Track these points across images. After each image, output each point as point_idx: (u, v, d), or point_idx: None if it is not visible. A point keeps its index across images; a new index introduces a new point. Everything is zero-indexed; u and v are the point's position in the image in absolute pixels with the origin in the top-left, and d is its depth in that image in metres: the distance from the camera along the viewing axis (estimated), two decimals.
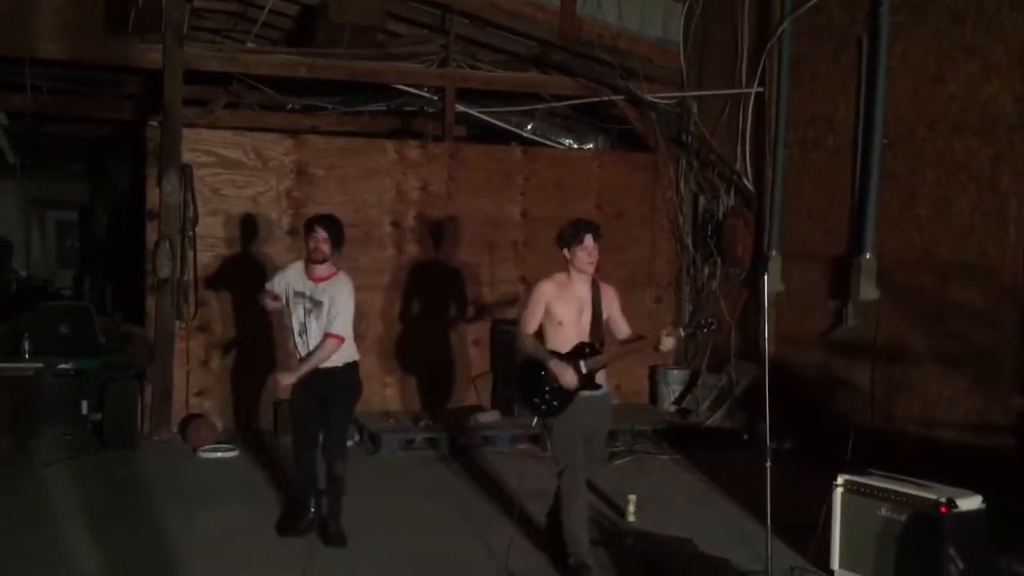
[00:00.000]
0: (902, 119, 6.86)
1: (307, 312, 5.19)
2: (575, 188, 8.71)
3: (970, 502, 4.62)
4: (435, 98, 8.87)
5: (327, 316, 5.16)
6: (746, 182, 8.24)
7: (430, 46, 8.52)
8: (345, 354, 5.22)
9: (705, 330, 4.96)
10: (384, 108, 9.43)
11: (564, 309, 4.87)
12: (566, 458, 4.83)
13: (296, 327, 5.27)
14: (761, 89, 8.08)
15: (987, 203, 6.25)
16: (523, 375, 4.90)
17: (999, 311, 6.14)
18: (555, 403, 4.79)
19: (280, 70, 8.18)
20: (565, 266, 4.98)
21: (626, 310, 8.62)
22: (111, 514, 5.59)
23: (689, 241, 8.87)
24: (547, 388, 4.77)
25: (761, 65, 8.08)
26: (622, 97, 8.74)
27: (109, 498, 6.00)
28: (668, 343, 4.79)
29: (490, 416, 7.81)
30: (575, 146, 9.55)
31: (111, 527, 5.32)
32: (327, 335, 5.15)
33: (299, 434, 5.36)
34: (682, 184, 8.94)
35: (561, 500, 4.91)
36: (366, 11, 7.77)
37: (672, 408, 8.60)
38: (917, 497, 4.67)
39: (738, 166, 8.28)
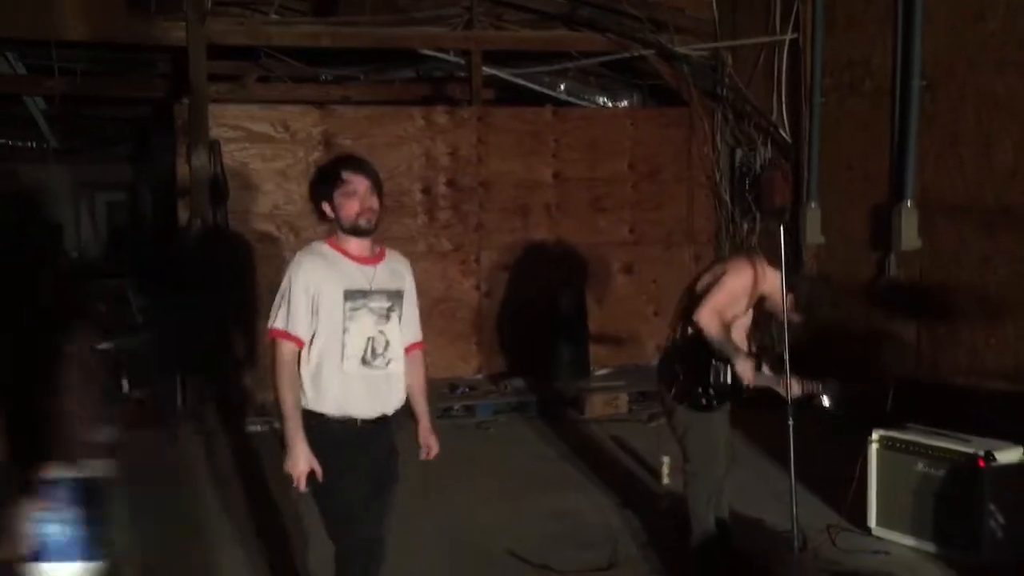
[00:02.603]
0: (941, 59, 6.57)
1: (383, 316, 3.36)
2: (608, 147, 8.55)
3: (1010, 455, 4.47)
4: (462, 62, 8.75)
5: (409, 314, 3.49)
6: (783, 133, 7.99)
7: (454, 8, 8.37)
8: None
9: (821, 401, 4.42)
10: (413, 75, 9.35)
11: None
12: (709, 465, 4.41)
13: (361, 350, 3.32)
14: (796, 35, 7.80)
15: None
16: (688, 354, 4.39)
17: None
18: (716, 399, 4.35)
19: (303, 41, 8.14)
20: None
21: (666, 269, 8.58)
22: None
23: (727, 196, 8.65)
24: (718, 380, 4.31)
25: (795, 10, 7.80)
26: (653, 51, 8.53)
27: None
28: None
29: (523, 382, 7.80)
30: (609, 104, 9.37)
31: None
32: (414, 346, 3.55)
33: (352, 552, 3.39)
34: (718, 138, 8.72)
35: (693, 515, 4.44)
36: None
37: None
38: (954, 451, 4.53)
39: (774, 117, 8.03)
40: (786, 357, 4.25)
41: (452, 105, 8.71)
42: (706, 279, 4.42)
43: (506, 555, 4.60)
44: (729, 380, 4.32)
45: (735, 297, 4.29)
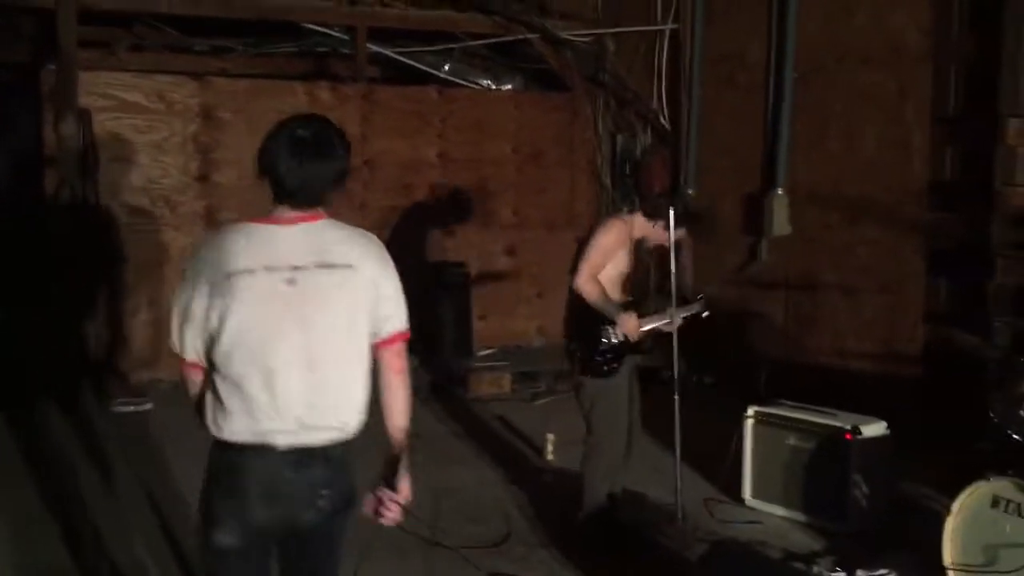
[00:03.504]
0: (812, 52, 6.87)
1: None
2: (492, 129, 8.60)
3: (874, 428, 4.74)
4: (346, 38, 8.63)
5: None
6: (663, 120, 8.21)
7: None
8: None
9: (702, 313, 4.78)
10: (295, 50, 9.15)
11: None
12: (611, 438, 4.53)
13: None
14: (677, 26, 8.03)
15: (893, 135, 6.32)
16: (578, 328, 4.52)
17: (903, 243, 6.25)
18: (614, 360, 4.47)
19: (184, 8, 7.85)
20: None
21: (548, 251, 8.70)
22: None
23: (608, 181, 8.84)
24: (609, 342, 4.45)
25: (675, 2, 8.02)
26: (538, 36, 8.61)
27: None
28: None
29: None
30: (493, 86, 9.40)
31: None
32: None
33: None
34: (600, 124, 8.88)
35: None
36: None
37: None
38: (823, 425, 4.78)
39: (655, 104, 8.24)
40: (674, 289, 4.61)
41: (336, 81, 8.59)
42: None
43: (398, 531, 4.59)
44: (619, 339, 4.48)
45: (608, 252, 4.46)
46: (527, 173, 8.75)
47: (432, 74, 9.14)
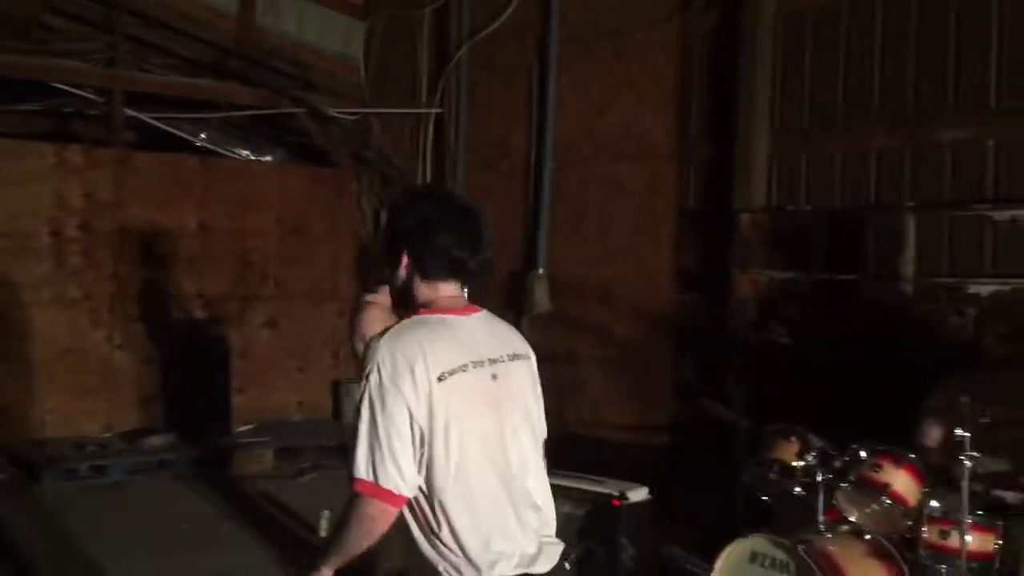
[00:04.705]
0: (570, 144, 7.42)
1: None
2: (256, 201, 8.50)
3: (638, 493, 5.10)
4: (101, 100, 8.25)
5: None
6: None
7: (96, 43, 7.92)
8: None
9: None
10: (37, 108, 8.62)
11: None
12: None
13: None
14: (441, 110, 8.38)
15: (644, 224, 6.93)
16: None
17: (654, 323, 6.82)
18: None
19: None
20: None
21: (311, 324, 8.66)
22: None
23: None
24: None
25: (440, 88, 8.38)
26: (303, 110, 8.67)
27: None
28: None
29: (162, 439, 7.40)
30: (252, 158, 9.32)
31: None
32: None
33: None
34: (364, 200, 9.03)
35: None
36: (23, 2, 7.10)
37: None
38: (594, 492, 5.08)
39: (420, 183, 8.51)
40: None
41: (85, 144, 8.17)
42: None
43: None
44: None
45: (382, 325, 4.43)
46: (290, 245, 8.70)
47: (189, 141, 8.93)
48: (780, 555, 3.92)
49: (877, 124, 5.77)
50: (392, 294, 2.62)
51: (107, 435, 7.59)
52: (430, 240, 2.40)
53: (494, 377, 2.38)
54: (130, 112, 8.21)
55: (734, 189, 6.32)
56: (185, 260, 8.09)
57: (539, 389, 2.54)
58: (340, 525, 2.33)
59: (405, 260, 2.45)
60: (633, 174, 7.02)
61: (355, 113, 8.90)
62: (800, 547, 3.87)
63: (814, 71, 6.07)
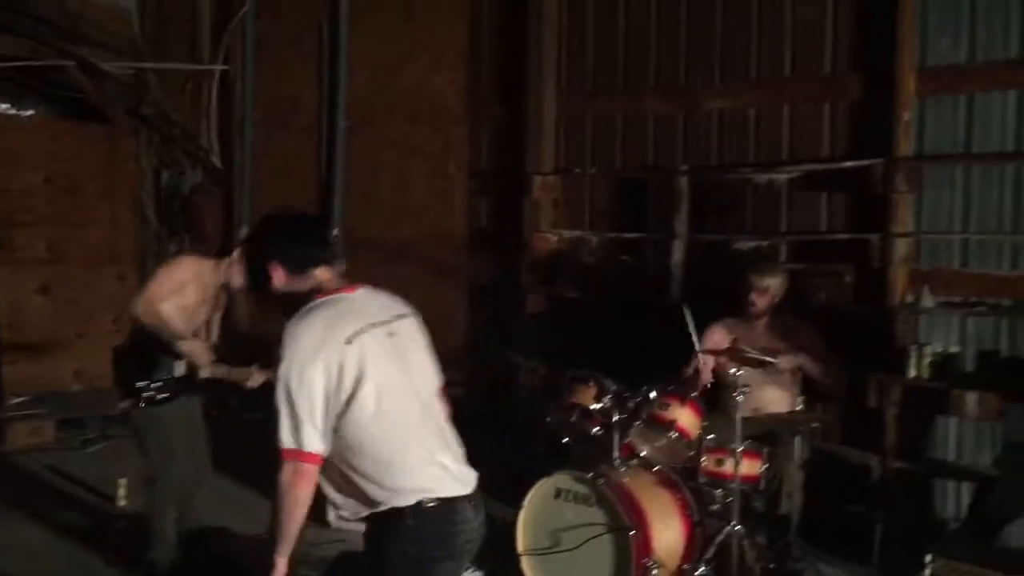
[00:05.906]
0: (363, 104, 7.43)
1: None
2: (22, 160, 7.93)
3: None
4: None
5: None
6: (214, 159, 8.25)
7: None
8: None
9: None
10: None
11: None
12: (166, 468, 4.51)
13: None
14: (226, 67, 8.14)
15: (438, 185, 7.10)
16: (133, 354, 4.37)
17: (448, 282, 7.02)
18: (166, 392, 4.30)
19: None
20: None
21: (88, 290, 8.24)
22: None
23: (153, 216, 8.60)
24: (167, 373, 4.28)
25: (224, 43, 8.13)
26: (73, 63, 8.15)
27: None
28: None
29: None
30: (13, 111, 8.67)
31: None
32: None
33: None
34: (143, 159, 8.63)
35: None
36: None
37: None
38: None
39: (205, 142, 8.25)
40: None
41: None
42: None
43: None
44: (180, 372, 4.38)
45: (168, 286, 4.38)
46: (62, 207, 8.19)
47: None
48: (582, 489, 4.26)
49: (654, 91, 6.18)
50: (279, 303, 2.95)
51: None
52: (289, 242, 2.86)
53: (390, 335, 2.81)
54: None
55: (526, 152, 6.58)
56: None
57: (427, 340, 3.02)
58: (274, 504, 2.71)
59: (277, 270, 2.84)
60: (427, 136, 7.15)
61: (129, 67, 8.46)
62: (599, 481, 4.22)
63: (597, 35, 6.40)
